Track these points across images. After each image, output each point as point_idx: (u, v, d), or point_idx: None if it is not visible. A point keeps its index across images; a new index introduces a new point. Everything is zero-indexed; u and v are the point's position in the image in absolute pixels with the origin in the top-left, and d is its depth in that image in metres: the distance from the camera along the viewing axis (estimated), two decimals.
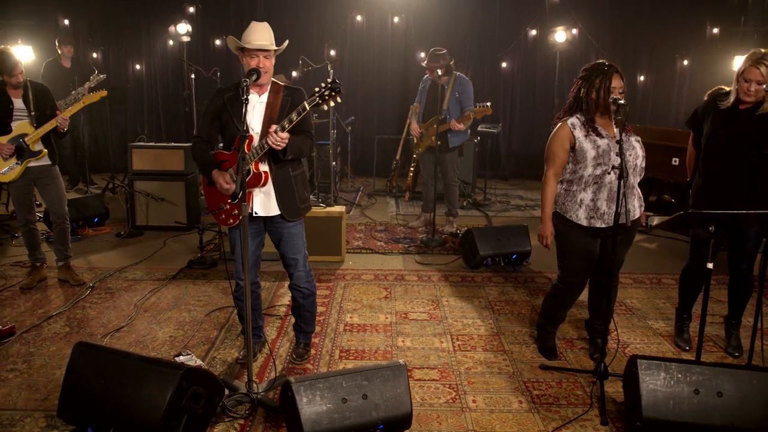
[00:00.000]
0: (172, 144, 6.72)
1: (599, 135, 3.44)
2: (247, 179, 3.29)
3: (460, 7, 9.09)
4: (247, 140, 3.29)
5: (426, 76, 6.37)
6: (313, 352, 3.87)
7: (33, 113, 4.69)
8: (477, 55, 9.41)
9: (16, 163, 4.68)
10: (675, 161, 6.70)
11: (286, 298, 4.73)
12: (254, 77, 3.20)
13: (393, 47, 9.37)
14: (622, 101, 3.27)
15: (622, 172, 3.14)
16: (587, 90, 3.46)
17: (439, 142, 6.11)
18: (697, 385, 2.93)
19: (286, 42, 3.48)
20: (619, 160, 3.20)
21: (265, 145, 3.20)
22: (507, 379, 3.61)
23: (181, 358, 3.58)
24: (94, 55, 9.21)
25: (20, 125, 4.67)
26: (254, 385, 3.29)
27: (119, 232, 6.43)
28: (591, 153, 3.41)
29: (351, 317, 4.42)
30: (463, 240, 5.61)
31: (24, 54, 7.59)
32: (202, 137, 3.49)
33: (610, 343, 4.01)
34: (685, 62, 9.47)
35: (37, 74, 7.49)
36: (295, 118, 3.15)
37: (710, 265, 3.17)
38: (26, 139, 4.65)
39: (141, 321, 4.33)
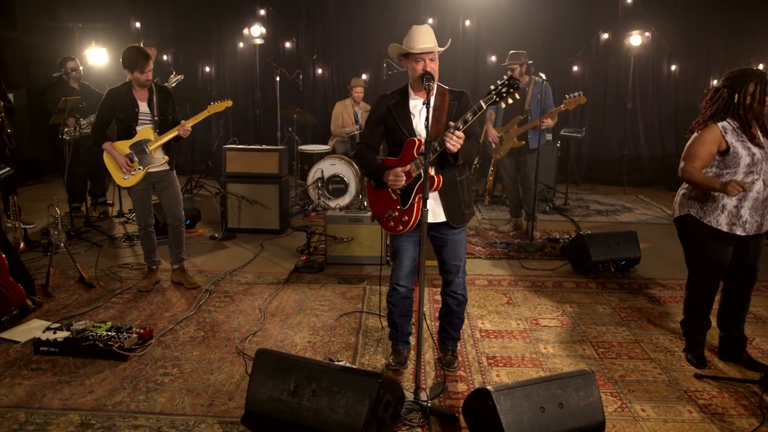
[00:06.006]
0: (267, 147, 6.71)
1: (755, 143, 3.40)
2: (418, 184, 3.27)
3: (532, 10, 9.01)
4: (416, 144, 3.28)
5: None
6: (459, 359, 3.83)
7: (156, 118, 4.69)
8: (548, 58, 9.31)
9: (137, 169, 4.69)
10: None
11: None
12: (431, 80, 3.17)
13: (464, 50, 9.31)
14: None
15: None
16: (741, 95, 3.41)
17: (523, 143, 6.19)
18: None
19: (449, 41, 3.45)
20: None
21: (438, 147, 3.15)
22: (665, 387, 3.55)
23: (338, 365, 3.54)
24: (165, 57, 9.24)
25: (143, 130, 4.67)
26: (422, 393, 3.25)
27: (213, 235, 6.44)
28: (746, 160, 3.39)
29: (482, 323, 4.38)
30: (571, 245, 5.54)
31: (99, 57, 7.59)
32: (367, 143, 3.50)
33: (753, 352, 3.95)
34: (760, 66, 9.31)
35: (115, 77, 7.51)
36: (470, 117, 3.12)
37: None
38: (148, 145, 4.65)
39: (272, 326, 4.30)
